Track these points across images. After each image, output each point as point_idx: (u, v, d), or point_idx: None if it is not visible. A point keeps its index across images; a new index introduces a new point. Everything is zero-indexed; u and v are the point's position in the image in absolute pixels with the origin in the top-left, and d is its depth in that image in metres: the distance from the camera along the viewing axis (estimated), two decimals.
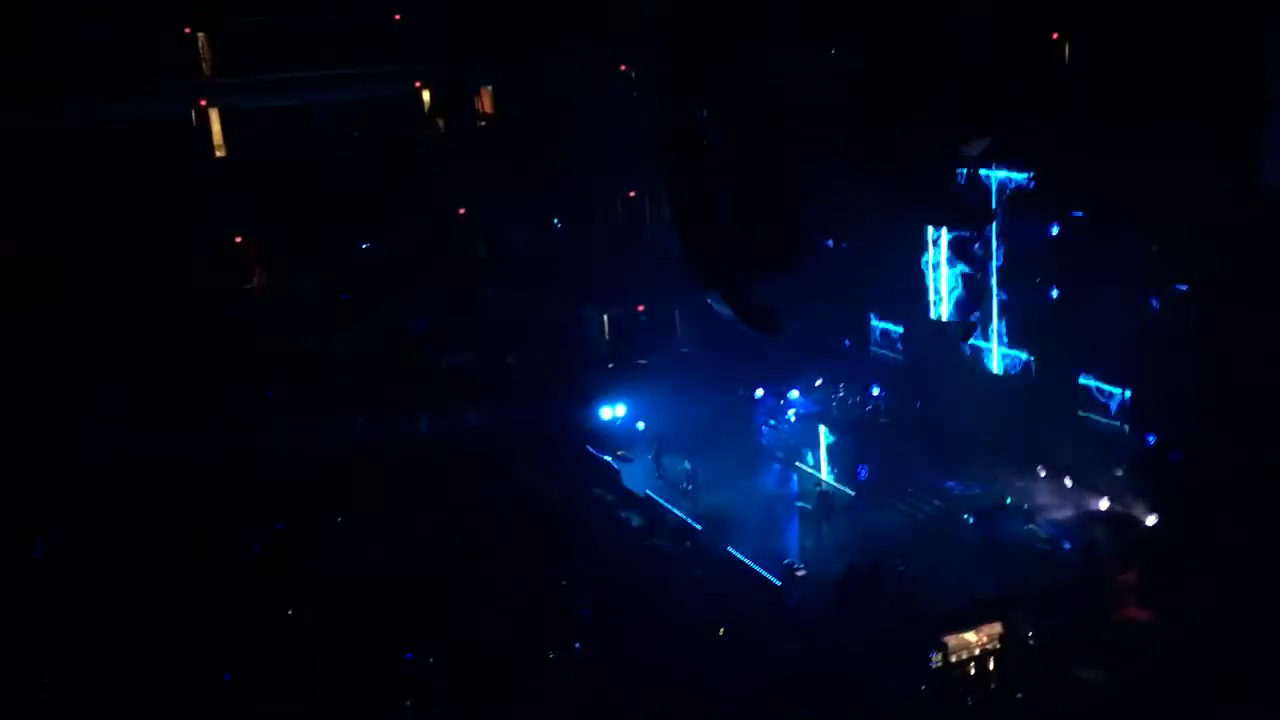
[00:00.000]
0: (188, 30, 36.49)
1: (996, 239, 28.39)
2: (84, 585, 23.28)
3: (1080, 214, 26.25)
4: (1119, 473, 25.91)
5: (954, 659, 21.70)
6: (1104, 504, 25.75)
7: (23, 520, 25.83)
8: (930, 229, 29.64)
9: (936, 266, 30.22)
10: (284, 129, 37.98)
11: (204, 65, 37.08)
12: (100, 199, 32.13)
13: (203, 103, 36.82)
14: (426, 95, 39.78)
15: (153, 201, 33.27)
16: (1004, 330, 28.78)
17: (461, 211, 38.37)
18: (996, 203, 27.79)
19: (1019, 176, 27.28)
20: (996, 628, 22.07)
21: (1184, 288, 24.29)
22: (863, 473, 28.96)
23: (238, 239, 35.95)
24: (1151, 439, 25.14)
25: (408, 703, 20.47)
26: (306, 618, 23.00)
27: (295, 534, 26.36)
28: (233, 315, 33.59)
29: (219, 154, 37.50)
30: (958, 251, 28.90)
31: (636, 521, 28.68)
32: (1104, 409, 26.38)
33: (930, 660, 21.52)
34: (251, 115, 37.25)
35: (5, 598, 23.06)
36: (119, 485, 26.34)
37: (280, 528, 26.59)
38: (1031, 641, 21.72)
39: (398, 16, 38.69)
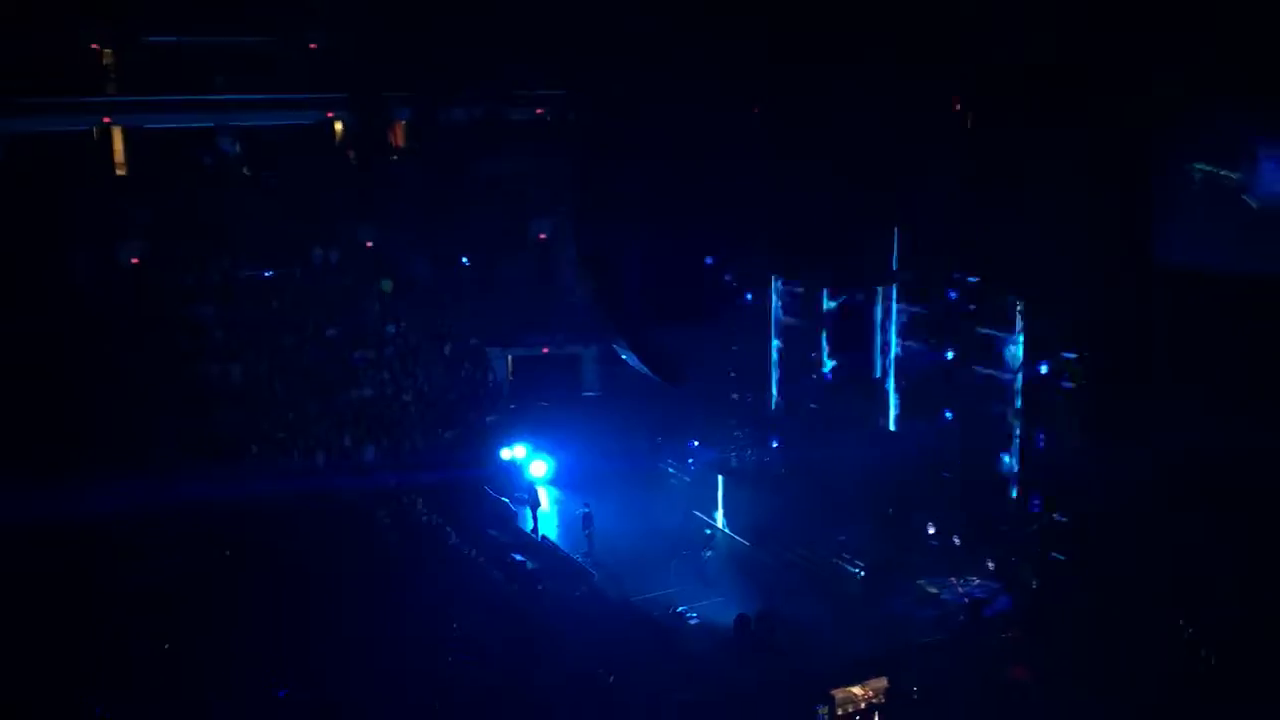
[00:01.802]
0: (95, 46, 35.81)
1: (896, 300, 29.11)
2: None
3: (974, 280, 27.11)
4: (1004, 529, 26.59)
5: (840, 712, 21.88)
6: (990, 564, 26.31)
7: None
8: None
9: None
10: (189, 151, 37.38)
11: (110, 83, 36.41)
12: None
13: (107, 120, 36.06)
14: (339, 125, 39.52)
15: (46, 218, 32.42)
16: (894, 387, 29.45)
17: (369, 244, 38.06)
18: (896, 264, 28.58)
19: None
20: (882, 682, 22.32)
21: (1072, 356, 25.08)
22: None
23: (134, 260, 35.05)
24: (1036, 502, 25.83)
25: None
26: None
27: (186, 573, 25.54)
28: (123, 339, 32.60)
29: (120, 172, 36.70)
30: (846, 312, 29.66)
31: (530, 565, 28.46)
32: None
33: (817, 713, 21.67)
34: (157, 135, 36.59)
35: None
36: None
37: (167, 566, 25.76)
38: (916, 696, 22.02)
39: (314, 45, 38.49)
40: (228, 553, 26.46)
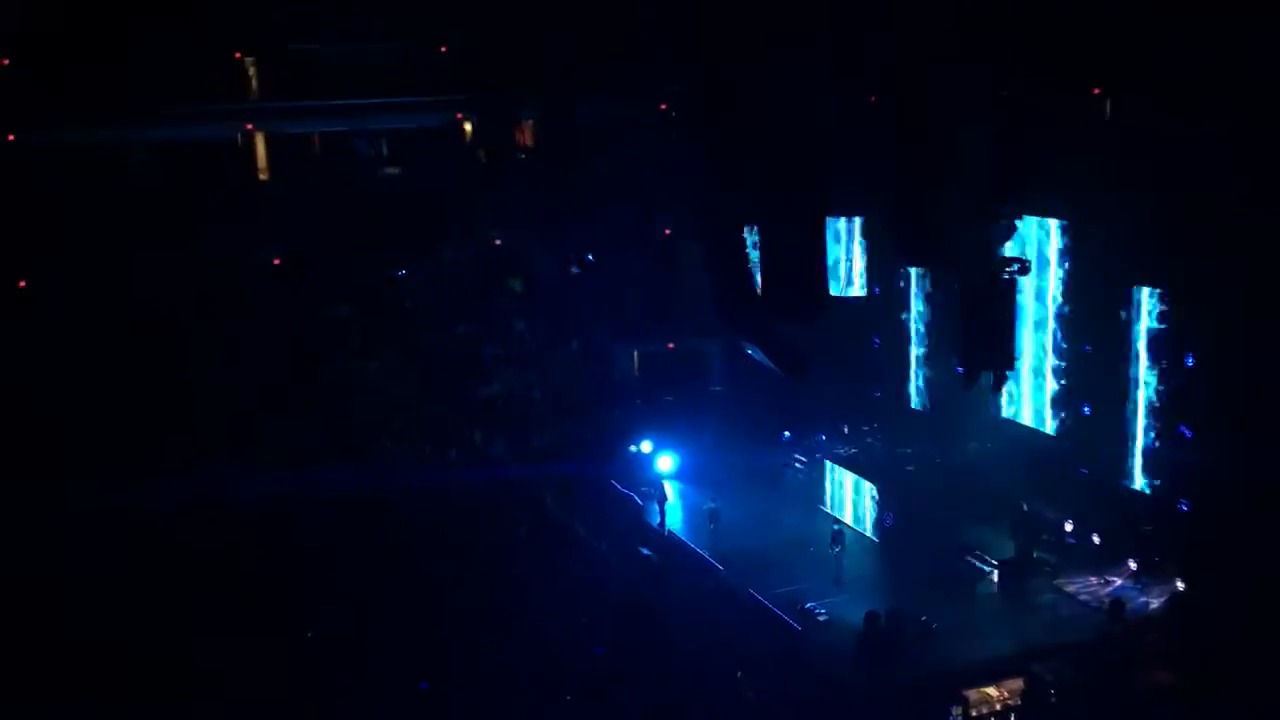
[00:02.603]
0: (237, 55, 37.24)
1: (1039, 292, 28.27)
2: None
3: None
4: (1147, 529, 25.67)
5: (974, 714, 21.45)
6: (1132, 564, 25.45)
7: None
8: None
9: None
10: (328, 155, 38.61)
11: (252, 90, 37.81)
12: (146, 217, 32.86)
13: (249, 127, 37.46)
14: (468, 126, 40.28)
15: (195, 221, 33.87)
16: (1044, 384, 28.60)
17: (498, 242, 38.73)
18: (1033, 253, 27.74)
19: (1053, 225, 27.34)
20: (1018, 683, 21.82)
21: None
22: (888, 520, 28.83)
23: (276, 260, 36.41)
24: (1184, 505, 24.83)
25: None
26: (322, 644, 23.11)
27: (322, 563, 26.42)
28: (267, 338, 33.91)
29: (263, 177, 38.09)
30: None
31: (657, 559, 28.62)
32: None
33: (950, 715, 21.28)
34: (296, 140, 37.89)
35: None
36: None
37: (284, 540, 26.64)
38: (1054, 699, 21.44)
39: (444, 49, 39.31)
40: (359, 545, 27.25)
